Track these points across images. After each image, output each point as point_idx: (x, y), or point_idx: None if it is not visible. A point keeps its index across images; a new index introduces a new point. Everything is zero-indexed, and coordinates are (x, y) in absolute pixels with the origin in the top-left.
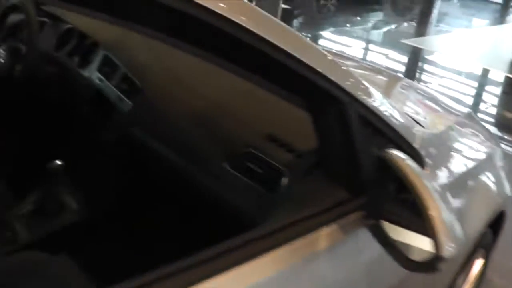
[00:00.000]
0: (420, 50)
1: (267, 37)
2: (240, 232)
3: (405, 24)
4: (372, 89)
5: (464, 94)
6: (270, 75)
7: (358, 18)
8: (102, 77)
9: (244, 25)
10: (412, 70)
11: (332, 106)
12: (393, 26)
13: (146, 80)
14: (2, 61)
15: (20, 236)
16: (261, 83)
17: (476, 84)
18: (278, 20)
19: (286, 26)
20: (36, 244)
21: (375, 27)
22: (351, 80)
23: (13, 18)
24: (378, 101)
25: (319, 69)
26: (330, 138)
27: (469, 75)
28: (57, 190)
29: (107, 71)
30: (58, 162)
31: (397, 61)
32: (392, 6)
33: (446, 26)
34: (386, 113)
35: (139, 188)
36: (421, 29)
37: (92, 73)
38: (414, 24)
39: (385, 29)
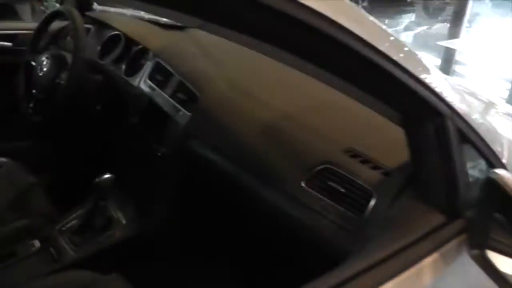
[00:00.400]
0: (455, 51)
1: (364, 37)
2: (326, 264)
3: (438, 25)
4: (471, 101)
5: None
6: (359, 80)
7: (390, 19)
8: (154, 86)
9: (336, 20)
10: (447, 72)
11: (431, 119)
12: (425, 28)
13: (205, 88)
14: (45, 69)
15: (65, 253)
16: (341, 89)
17: None
18: (373, 18)
19: (383, 26)
20: (82, 262)
21: (407, 28)
22: (451, 90)
23: (55, 25)
24: (477, 115)
25: (421, 77)
26: (426, 155)
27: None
28: (105, 205)
29: (160, 80)
30: (108, 175)
31: (432, 63)
32: (424, 7)
33: (479, 26)
34: (482, 128)
35: (197, 205)
36: (455, 31)
37: (142, 82)
38: (446, 25)
39: (417, 30)
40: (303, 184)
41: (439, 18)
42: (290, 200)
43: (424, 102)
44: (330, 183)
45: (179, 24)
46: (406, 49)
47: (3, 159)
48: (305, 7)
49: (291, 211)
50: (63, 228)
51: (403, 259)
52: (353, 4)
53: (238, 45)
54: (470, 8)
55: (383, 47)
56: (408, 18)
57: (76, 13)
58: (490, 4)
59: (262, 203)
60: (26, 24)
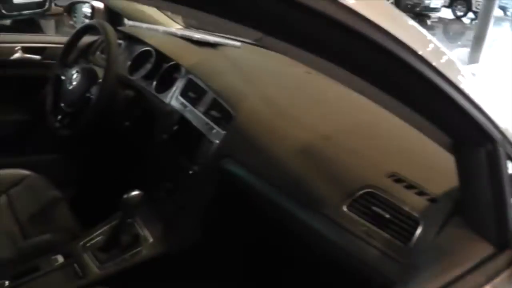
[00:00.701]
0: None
1: (421, 53)
2: None
3: (458, 50)
4: None
5: None
6: (411, 99)
7: None
8: (186, 103)
9: (389, 31)
10: None
11: (483, 144)
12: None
13: (240, 106)
14: (75, 83)
15: (89, 270)
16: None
17: None
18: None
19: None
20: (107, 280)
21: None
22: (500, 115)
23: (85, 39)
24: None
25: (475, 99)
26: (475, 181)
27: None
28: (133, 222)
29: (193, 97)
30: (136, 192)
31: None
32: (444, 31)
33: (500, 51)
34: None
35: (228, 226)
36: (475, 55)
37: (174, 98)
38: (466, 49)
39: None
40: (344, 208)
41: (459, 42)
42: (331, 225)
43: (477, 126)
44: (374, 208)
45: (211, 41)
46: (460, 68)
47: (26, 172)
48: (367, 20)
49: (332, 236)
50: (88, 244)
51: None
52: (412, 21)
53: (273, 63)
54: (489, 32)
55: (438, 64)
56: None
57: (109, 27)
58: (510, 27)
59: (300, 227)
60: (54, 38)
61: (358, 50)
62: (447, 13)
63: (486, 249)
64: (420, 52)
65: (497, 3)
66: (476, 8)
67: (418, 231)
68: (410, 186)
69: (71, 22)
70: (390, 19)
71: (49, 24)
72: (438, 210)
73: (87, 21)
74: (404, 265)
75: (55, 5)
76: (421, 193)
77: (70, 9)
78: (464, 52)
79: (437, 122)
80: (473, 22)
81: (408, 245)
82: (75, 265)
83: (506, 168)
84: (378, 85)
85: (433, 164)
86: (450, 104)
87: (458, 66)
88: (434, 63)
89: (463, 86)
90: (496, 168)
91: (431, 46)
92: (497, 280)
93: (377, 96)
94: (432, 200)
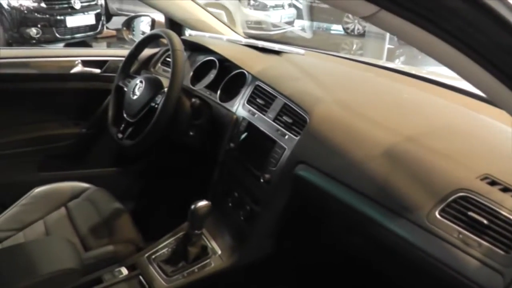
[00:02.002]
0: None
1: None
2: None
3: None
4: None
5: None
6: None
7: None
8: (254, 110)
9: None
10: None
11: None
12: None
13: (314, 110)
14: (139, 93)
15: (156, 282)
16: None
17: None
18: None
19: None
20: None
21: None
22: None
23: (145, 52)
24: None
25: None
26: None
27: None
28: (200, 233)
29: (261, 103)
30: (204, 202)
31: None
32: None
33: None
34: None
35: (303, 236)
36: None
37: (241, 107)
38: None
39: None
40: (437, 214)
41: None
42: (422, 232)
43: None
44: (470, 213)
45: (276, 48)
46: None
47: (86, 185)
48: None
49: (423, 245)
50: (153, 256)
51: None
52: None
53: (341, 68)
54: None
55: None
56: None
57: (174, 35)
58: None
59: (386, 235)
60: (113, 51)
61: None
62: None
63: None
64: None
65: None
66: None
67: None
68: (506, 189)
69: (130, 37)
70: None
71: (100, 47)
72: None
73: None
74: (505, 276)
75: (106, 28)
76: None
77: (129, 24)
78: None
79: None
80: None
81: (510, 253)
82: (141, 277)
83: None
84: (489, 68)
85: None
86: None
87: None
88: None
89: None
90: None
91: None
92: None
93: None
94: None
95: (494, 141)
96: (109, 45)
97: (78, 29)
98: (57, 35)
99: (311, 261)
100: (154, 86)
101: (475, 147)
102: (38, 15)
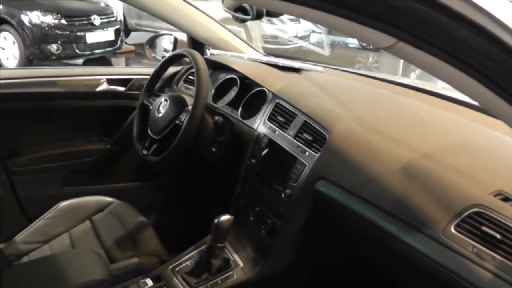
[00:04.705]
0: None
1: None
2: None
3: None
4: None
5: None
6: None
7: None
8: (275, 127)
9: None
10: None
11: None
12: None
13: (333, 127)
14: (164, 111)
15: None
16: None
17: None
18: None
19: None
20: None
21: None
22: None
23: (168, 70)
24: None
25: None
26: None
27: None
28: (223, 246)
29: (281, 121)
30: (227, 216)
31: None
32: None
33: None
34: None
35: (324, 250)
36: None
37: (262, 124)
38: None
39: None
40: (452, 229)
41: None
42: (438, 246)
43: None
44: (484, 228)
45: (296, 66)
46: None
47: (110, 199)
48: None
49: (440, 259)
50: (177, 268)
51: None
52: None
53: (359, 85)
54: None
55: None
56: None
57: (198, 54)
58: None
59: (404, 249)
60: (137, 70)
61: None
62: None
63: None
64: None
65: None
66: None
67: None
68: None
69: (153, 55)
70: None
71: (119, 62)
72: None
73: (166, 54)
74: None
75: (125, 43)
76: None
77: (152, 42)
78: None
79: None
80: None
81: None
82: None
83: None
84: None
85: None
86: None
87: None
88: None
89: None
90: None
91: None
92: None
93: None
94: None
95: (507, 158)
96: (127, 60)
97: (97, 45)
98: (77, 51)
99: (331, 273)
100: (178, 104)
101: (489, 164)
102: (59, 32)
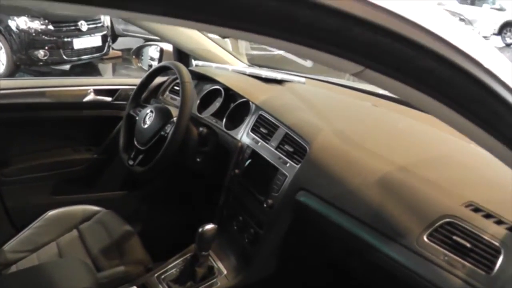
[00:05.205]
0: None
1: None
2: None
3: None
4: None
5: None
6: (498, 132)
7: None
8: (258, 138)
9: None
10: None
11: None
12: None
13: (314, 140)
14: (149, 122)
15: None
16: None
17: None
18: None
19: None
20: None
21: None
22: None
23: (156, 80)
24: None
25: None
26: None
27: None
28: (207, 255)
29: (264, 132)
30: (211, 225)
31: None
32: None
33: None
34: None
35: (304, 258)
36: None
37: (245, 135)
38: None
39: None
40: (425, 238)
41: None
42: (412, 255)
43: None
44: (454, 237)
45: (278, 78)
46: None
47: (97, 208)
48: (459, 50)
49: (413, 266)
50: (162, 276)
51: None
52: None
53: (339, 97)
54: None
55: None
56: None
57: (183, 67)
58: None
59: (380, 257)
60: (123, 80)
61: (459, 85)
62: (497, 41)
63: None
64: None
65: None
66: None
67: (500, 260)
68: (488, 215)
69: (139, 65)
70: (486, 53)
71: (106, 68)
72: None
73: (153, 63)
74: None
75: (112, 49)
76: (499, 222)
77: (139, 53)
78: None
79: None
80: None
81: (491, 274)
82: None
83: None
84: (465, 114)
85: (510, 192)
86: None
87: None
88: None
89: None
90: None
91: None
92: None
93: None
94: (511, 229)
95: (480, 170)
96: (115, 66)
97: (84, 51)
98: (64, 57)
99: (313, 281)
100: (164, 116)
101: (461, 176)
102: (46, 37)
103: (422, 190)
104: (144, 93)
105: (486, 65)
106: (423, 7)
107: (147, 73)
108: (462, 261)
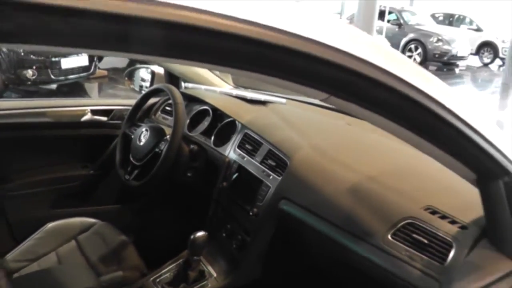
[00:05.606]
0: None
1: (447, 105)
2: None
3: (487, 96)
4: None
5: None
6: (442, 141)
7: None
8: (244, 154)
9: (423, 90)
10: None
11: (501, 177)
12: (473, 100)
13: (293, 155)
14: (144, 140)
15: None
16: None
17: None
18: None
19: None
20: None
21: None
22: None
23: (149, 101)
24: None
25: (492, 139)
26: (498, 210)
27: None
28: (198, 259)
29: (249, 148)
30: (202, 232)
31: None
32: (472, 79)
33: None
34: None
35: (287, 259)
36: (504, 102)
37: (232, 151)
38: (496, 96)
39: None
40: (389, 237)
41: (488, 89)
42: (378, 252)
43: (494, 162)
44: (414, 235)
45: (262, 99)
46: (480, 114)
47: (94, 220)
48: (404, 81)
49: (380, 261)
50: (158, 280)
51: None
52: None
53: (316, 116)
54: None
55: (463, 114)
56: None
57: (175, 90)
58: None
59: (351, 255)
60: (118, 101)
61: (410, 111)
62: (474, 61)
63: (509, 265)
64: (448, 105)
65: None
66: (503, 54)
67: (452, 253)
68: (443, 217)
69: (132, 86)
70: (426, 81)
71: (93, 87)
72: (467, 235)
73: (143, 84)
74: (441, 282)
75: (98, 68)
76: (453, 222)
77: (131, 75)
78: (494, 98)
79: (463, 160)
80: (501, 69)
81: (444, 264)
82: None
83: None
84: (416, 132)
85: (462, 197)
86: (472, 145)
87: (479, 113)
88: (459, 114)
89: (481, 129)
90: None
91: (457, 98)
92: None
93: (414, 141)
94: (463, 227)
95: (436, 177)
96: (101, 86)
97: (72, 71)
98: (52, 76)
99: (296, 285)
100: (158, 134)
101: (420, 183)
102: (34, 57)
103: (387, 196)
104: (140, 113)
105: (426, 91)
106: (376, 48)
107: (142, 95)
108: (421, 255)
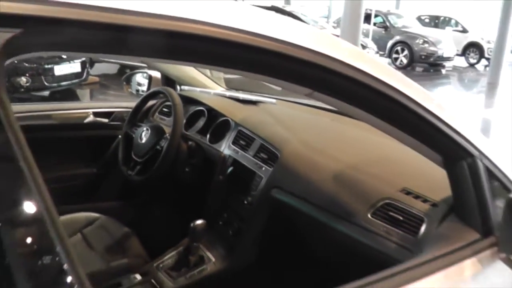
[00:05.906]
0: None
1: (412, 96)
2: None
3: (473, 96)
4: (491, 144)
5: None
6: (412, 130)
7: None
8: (238, 149)
9: (400, 89)
10: None
11: (465, 159)
12: (460, 99)
13: (283, 148)
14: (146, 138)
15: (165, 284)
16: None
17: None
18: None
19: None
20: None
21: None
22: (477, 135)
23: (149, 103)
24: (498, 154)
25: (454, 125)
26: (463, 188)
27: None
28: (198, 246)
29: (243, 144)
30: (201, 221)
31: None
32: (459, 80)
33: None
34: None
35: (280, 243)
36: (490, 101)
37: (227, 147)
38: (482, 95)
39: (453, 102)
40: (369, 216)
41: (474, 89)
42: (360, 229)
43: (458, 145)
44: (391, 213)
45: (253, 99)
46: (444, 106)
47: (98, 215)
48: (381, 82)
49: (361, 238)
50: (161, 265)
51: (448, 259)
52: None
53: (304, 114)
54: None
55: (429, 106)
56: (444, 90)
57: (174, 92)
58: None
59: (336, 234)
60: (119, 103)
61: (380, 102)
62: (460, 62)
63: (474, 235)
64: (410, 95)
65: (509, 49)
66: (489, 54)
67: (423, 226)
68: (417, 196)
69: (130, 90)
70: (398, 80)
71: (84, 94)
72: (437, 211)
73: (140, 87)
74: (414, 252)
75: (90, 74)
76: (425, 200)
77: (129, 79)
78: (480, 98)
79: (429, 144)
80: (487, 69)
81: (417, 237)
82: (153, 281)
83: (485, 175)
84: (390, 122)
85: (433, 178)
86: (435, 130)
87: (441, 103)
88: (421, 102)
89: (442, 116)
90: (477, 177)
91: (420, 91)
92: (481, 254)
93: (387, 129)
94: (433, 205)
95: (411, 163)
96: (92, 92)
97: (65, 77)
98: (46, 83)
99: (290, 268)
100: (158, 133)
101: (397, 168)
102: (27, 65)
103: (367, 181)
104: (140, 114)
105: (395, 86)
106: (352, 50)
107: (142, 97)
108: (397, 230)
